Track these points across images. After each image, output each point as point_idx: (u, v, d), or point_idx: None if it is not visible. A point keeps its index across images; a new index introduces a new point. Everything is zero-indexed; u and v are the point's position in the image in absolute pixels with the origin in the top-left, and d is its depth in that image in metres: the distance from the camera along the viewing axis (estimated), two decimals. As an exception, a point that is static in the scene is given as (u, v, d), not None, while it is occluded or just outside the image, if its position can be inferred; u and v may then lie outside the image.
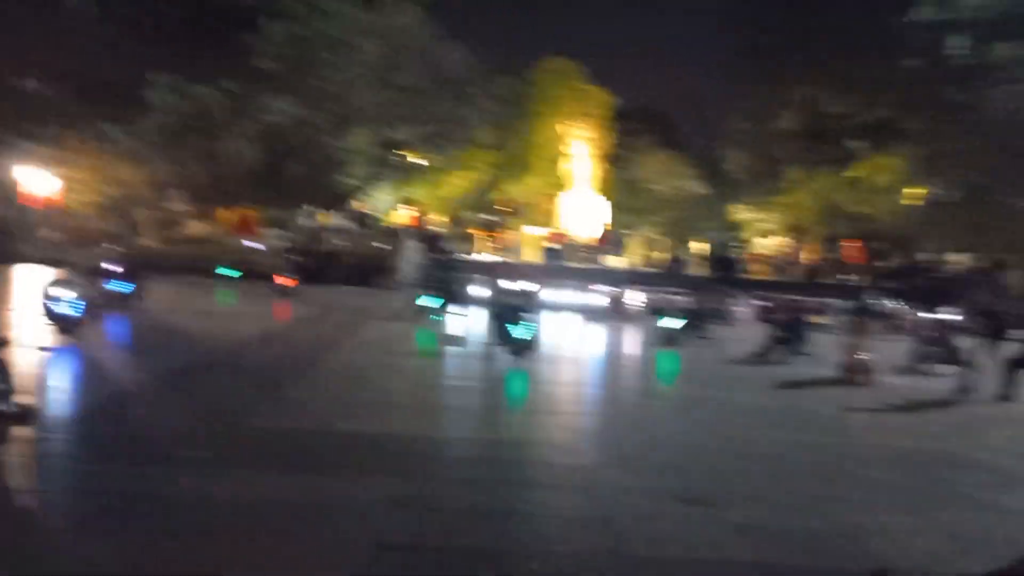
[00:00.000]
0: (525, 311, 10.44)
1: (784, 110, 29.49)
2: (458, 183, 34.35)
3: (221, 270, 19.43)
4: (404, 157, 24.60)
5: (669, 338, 13.54)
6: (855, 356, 11.05)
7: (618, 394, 9.89)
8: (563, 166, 34.49)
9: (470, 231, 31.57)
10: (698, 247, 32.57)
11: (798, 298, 20.84)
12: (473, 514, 5.00)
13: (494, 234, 31.74)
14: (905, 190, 26.69)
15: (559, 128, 34.76)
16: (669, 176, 35.72)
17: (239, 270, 19.66)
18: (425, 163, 25.96)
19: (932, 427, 8.50)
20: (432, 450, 6.44)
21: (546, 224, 34.40)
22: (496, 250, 27.89)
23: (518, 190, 35.88)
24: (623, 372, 12.03)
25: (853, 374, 10.88)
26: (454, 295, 15.64)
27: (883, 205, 27.22)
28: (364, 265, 22.47)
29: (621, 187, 36.64)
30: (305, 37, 22.03)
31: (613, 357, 13.42)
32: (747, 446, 7.08)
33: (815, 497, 5.74)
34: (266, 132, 21.76)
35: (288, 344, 11.37)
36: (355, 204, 26.69)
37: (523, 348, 10.21)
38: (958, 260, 26.09)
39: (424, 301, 15.26)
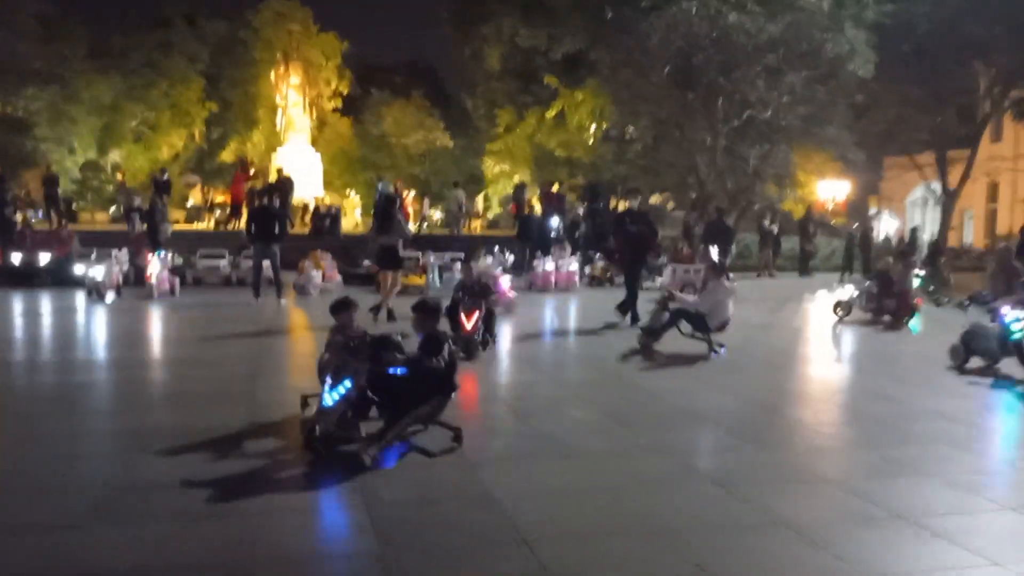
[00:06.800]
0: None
1: (490, 47, 26.95)
2: (175, 142, 31.31)
3: None
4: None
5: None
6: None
7: None
8: (289, 119, 31.50)
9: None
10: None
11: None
12: None
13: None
14: (592, 128, 24.40)
15: (285, 77, 31.77)
16: (418, 129, 32.96)
17: None
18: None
19: None
20: None
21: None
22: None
23: (246, 148, 32.87)
24: None
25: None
26: None
27: (581, 145, 24.94)
28: None
29: (366, 142, 33.85)
30: None
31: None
32: None
33: None
34: None
35: None
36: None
37: None
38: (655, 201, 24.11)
39: None
